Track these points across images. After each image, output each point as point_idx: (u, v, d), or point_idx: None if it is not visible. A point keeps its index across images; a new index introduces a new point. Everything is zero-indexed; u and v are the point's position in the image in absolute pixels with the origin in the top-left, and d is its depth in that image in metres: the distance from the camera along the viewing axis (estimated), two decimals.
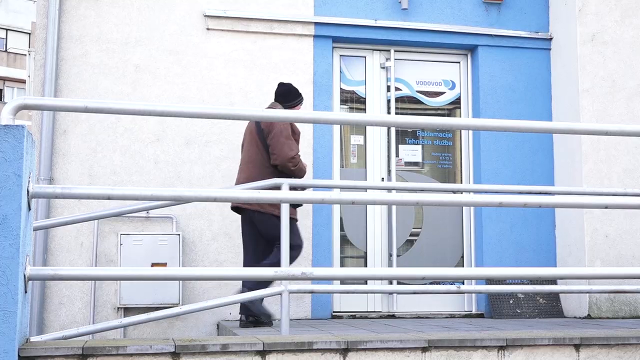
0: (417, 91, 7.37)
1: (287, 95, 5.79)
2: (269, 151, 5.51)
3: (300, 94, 5.84)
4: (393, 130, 7.21)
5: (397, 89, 7.30)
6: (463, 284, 6.74)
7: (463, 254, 7.21)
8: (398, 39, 7.15)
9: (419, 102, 7.34)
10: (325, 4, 7.04)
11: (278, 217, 5.21)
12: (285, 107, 5.73)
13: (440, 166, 7.34)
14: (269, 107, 5.74)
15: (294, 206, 5.62)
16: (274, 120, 3.34)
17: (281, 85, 5.86)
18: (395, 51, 7.29)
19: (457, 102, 7.43)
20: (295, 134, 5.66)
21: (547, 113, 7.29)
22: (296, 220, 5.68)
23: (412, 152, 7.32)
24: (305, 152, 6.79)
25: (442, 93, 7.42)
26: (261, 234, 5.59)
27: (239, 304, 5.60)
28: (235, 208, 5.70)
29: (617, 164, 6.84)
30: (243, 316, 5.51)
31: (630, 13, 7.07)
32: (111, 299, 6.30)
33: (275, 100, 5.83)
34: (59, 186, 2.97)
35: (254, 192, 3.19)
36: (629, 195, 4.99)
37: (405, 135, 7.32)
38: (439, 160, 7.36)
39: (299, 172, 5.56)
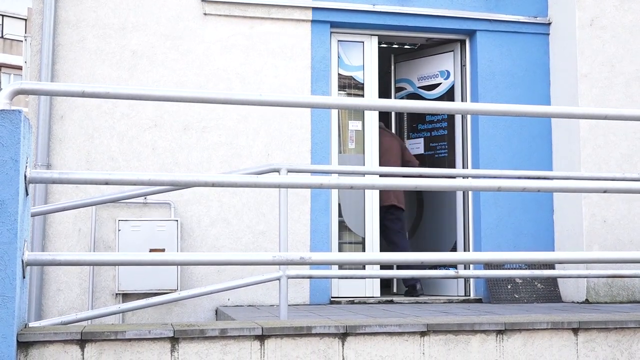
0: (419, 87, 7.39)
1: None
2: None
3: None
4: (392, 115, 7.20)
5: (399, 89, 7.30)
6: (457, 267, 6.75)
7: (458, 238, 7.22)
8: (396, 24, 7.12)
9: (419, 96, 7.34)
10: None
11: None
12: None
13: (437, 156, 7.35)
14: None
15: None
16: (273, 105, 3.32)
17: None
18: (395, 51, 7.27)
19: (454, 89, 7.41)
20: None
21: (546, 98, 7.27)
22: None
23: (415, 146, 7.42)
24: (303, 137, 6.77)
25: (438, 84, 7.41)
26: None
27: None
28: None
29: (616, 149, 6.84)
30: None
31: None
32: (109, 285, 6.30)
33: None
34: (56, 171, 2.97)
35: (252, 178, 3.18)
36: (627, 180, 4.98)
37: (409, 131, 7.38)
38: (436, 150, 7.37)
39: None
